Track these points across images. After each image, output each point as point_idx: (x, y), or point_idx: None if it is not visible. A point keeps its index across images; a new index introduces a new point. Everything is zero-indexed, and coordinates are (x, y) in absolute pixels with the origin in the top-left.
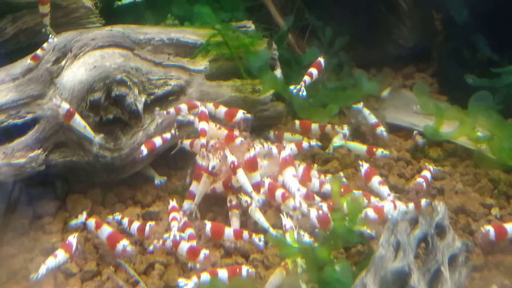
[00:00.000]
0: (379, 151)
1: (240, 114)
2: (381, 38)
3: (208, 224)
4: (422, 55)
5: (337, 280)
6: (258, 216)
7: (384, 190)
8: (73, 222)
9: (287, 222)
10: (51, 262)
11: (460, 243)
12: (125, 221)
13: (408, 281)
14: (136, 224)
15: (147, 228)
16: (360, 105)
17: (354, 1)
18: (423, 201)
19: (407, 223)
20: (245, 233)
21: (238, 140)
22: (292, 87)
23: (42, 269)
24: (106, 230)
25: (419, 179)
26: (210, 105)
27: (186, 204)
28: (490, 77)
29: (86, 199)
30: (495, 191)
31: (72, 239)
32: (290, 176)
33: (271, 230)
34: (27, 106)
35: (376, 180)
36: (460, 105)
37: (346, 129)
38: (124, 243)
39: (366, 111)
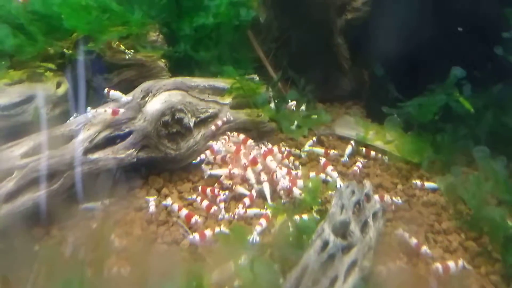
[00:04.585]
0: (332, 152)
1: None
2: (333, 85)
3: None
4: (356, 95)
5: (307, 226)
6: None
7: (334, 174)
8: (163, 202)
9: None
10: None
11: (379, 204)
12: (175, 206)
13: (349, 227)
14: (184, 211)
15: (193, 219)
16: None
17: (317, 64)
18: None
19: (348, 192)
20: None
21: (242, 151)
22: None
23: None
24: (184, 211)
25: (355, 168)
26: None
27: None
28: (397, 108)
29: (159, 179)
30: (399, 174)
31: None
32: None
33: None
34: (126, 123)
35: (329, 168)
36: (379, 124)
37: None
38: (196, 218)
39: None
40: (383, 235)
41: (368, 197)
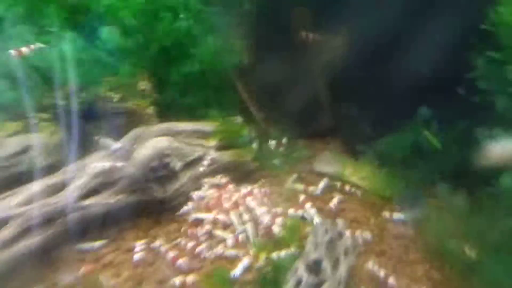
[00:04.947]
0: (311, 188)
1: None
2: (314, 123)
3: None
4: (336, 132)
5: (284, 264)
6: None
7: (312, 210)
8: (151, 245)
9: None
10: None
11: (350, 241)
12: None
13: (321, 265)
14: (170, 254)
15: (179, 262)
16: None
17: (300, 104)
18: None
19: (322, 231)
20: None
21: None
22: None
23: None
24: (170, 254)
25: (331, 203)
26: None
27: None
28: (371, 145)
29: (148, 220)
30: (372, 208)
31: None
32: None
33: None
34: (116, 170)
35: (308, 205)
36: (356, 160)
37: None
38: (181, 260)
39: None
40: (355, 268)
41: (340, 235)
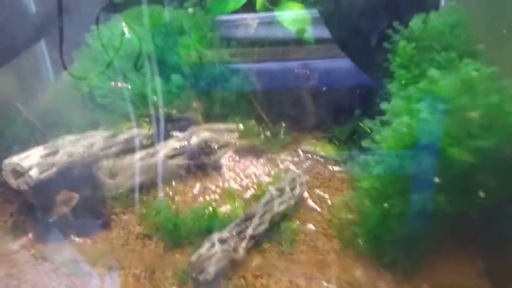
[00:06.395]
0: (295, 158)
1: None
2: (304, 122)
3: None
4: (318, 127)
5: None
6: None
7: (294, 168)
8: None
9: None
10: None
11: (304, 180)
12: (209, 184)
13: (284, 189)
14: (213, 186)
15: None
16: None
17: (293, 110)
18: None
19: (289, 175)
20: None
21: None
22: None
23: None
24: (213, 186)
25: (303, 165)
26: None
27: None
28: (330, 132)
29: (201, 173)
30: (328, 166)
31: None
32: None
33: None
34: (183, 147)
35: (291, 166)
36: (324, 142)
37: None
38: (217, 191)
39: None
40: (308, 192)
41: (299, 176)
